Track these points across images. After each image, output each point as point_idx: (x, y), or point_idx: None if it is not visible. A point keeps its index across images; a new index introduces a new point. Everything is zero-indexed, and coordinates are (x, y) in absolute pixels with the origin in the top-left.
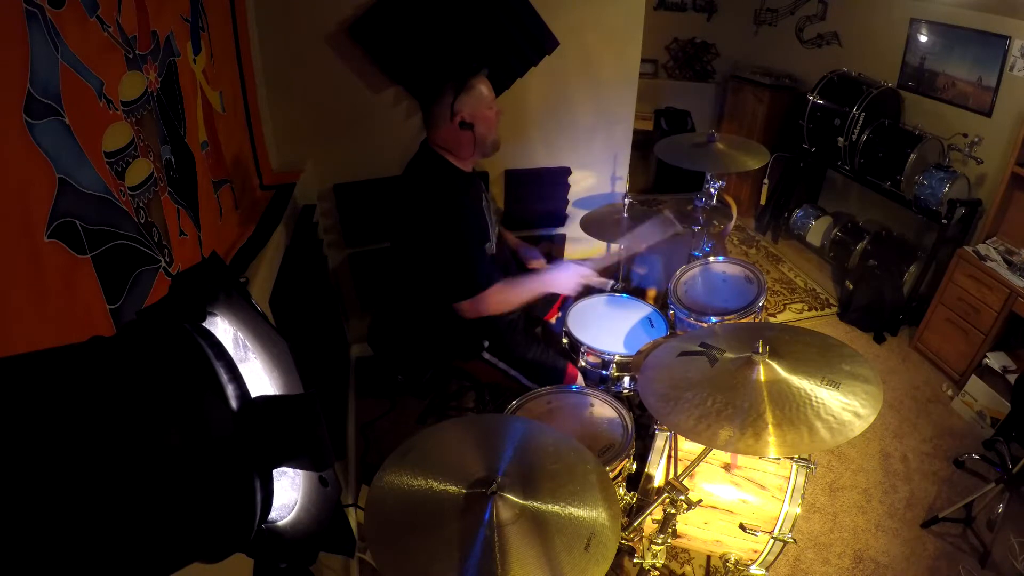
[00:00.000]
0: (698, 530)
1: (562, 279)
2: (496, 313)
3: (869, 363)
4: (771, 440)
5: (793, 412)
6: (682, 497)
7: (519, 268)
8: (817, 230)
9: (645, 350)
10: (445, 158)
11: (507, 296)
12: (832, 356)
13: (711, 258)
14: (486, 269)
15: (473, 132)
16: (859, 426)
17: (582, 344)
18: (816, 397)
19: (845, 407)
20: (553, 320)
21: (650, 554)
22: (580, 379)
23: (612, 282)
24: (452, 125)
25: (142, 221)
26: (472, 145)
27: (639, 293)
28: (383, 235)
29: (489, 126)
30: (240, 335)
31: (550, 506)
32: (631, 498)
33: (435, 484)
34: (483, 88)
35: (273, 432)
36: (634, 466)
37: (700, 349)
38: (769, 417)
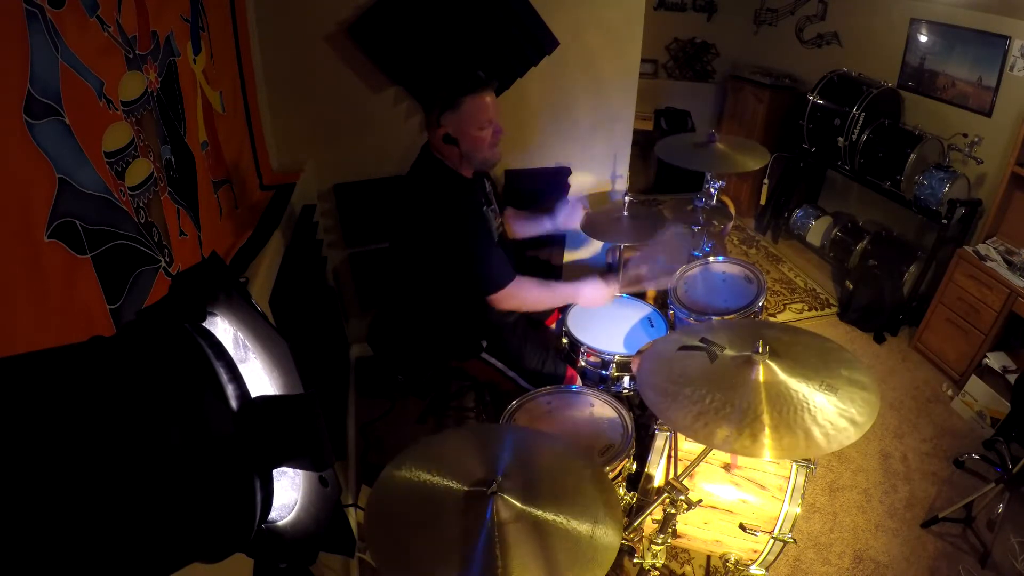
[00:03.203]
0: (698, 530)
1: (593, 296)
2: (522, 309)
3: (868, 369)
4: (767, 443)
5: (790, 415)
6: (682, 497)
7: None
8: (817, 230)
9: (645, 351)
10: (444, 163)
11: (535, 294)
12: (831, 360)
13: (711, 258)
14: (502, 264)
15: (458, 147)
16: (854, 433)
17: (582, 344)
18: (813, 402)
19: (842, 413)
20: (553, 325)
21: (650, 554)
22: (579, 383)
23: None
24: (438, 136)
25: (142, 221)
26: (459, 158)
27: (639, 293)
28: (383, 235)
29: (476, 146)
30: (240, 335)
31: (550, 506)
32: (631, 498)
33: (435, 485)
34: (474, 107)
35: (273, 432)
36: (634, 466)
37: (700, 344)
38: (766, 419)
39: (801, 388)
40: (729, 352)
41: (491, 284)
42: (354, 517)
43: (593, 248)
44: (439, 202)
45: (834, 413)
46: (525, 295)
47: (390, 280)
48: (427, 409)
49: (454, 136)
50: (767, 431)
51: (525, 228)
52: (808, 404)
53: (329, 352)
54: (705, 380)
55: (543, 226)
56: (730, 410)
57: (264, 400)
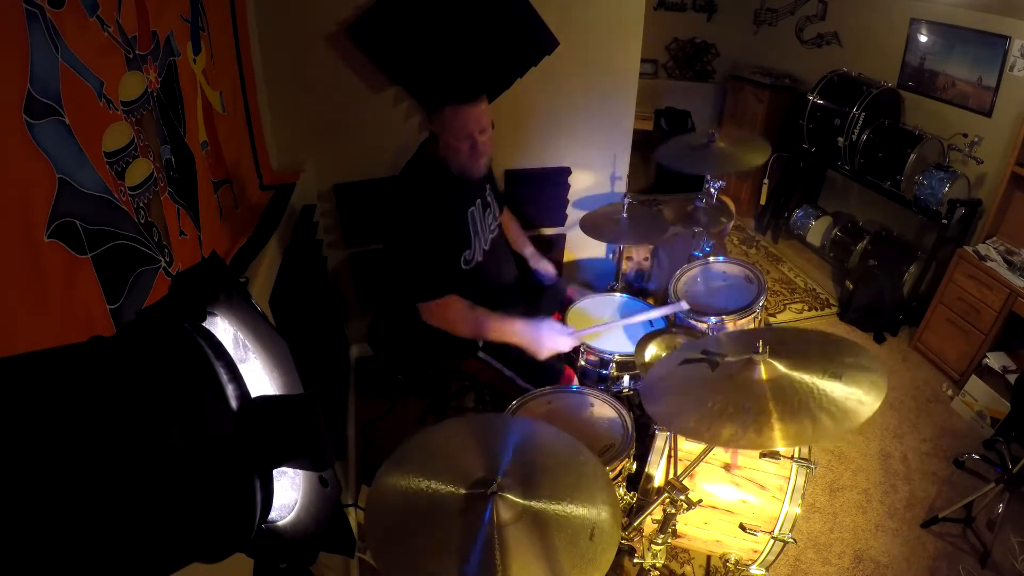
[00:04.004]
0: (698, 530)
1: (536, 341)
2: (447, 329)
3: (871, 353)
4: (775, 434)
5: (796, 405)
6: (682, 497)
7: (523, 280)
8: (817, 230)
9: (643, 342)
10: (436, 157)
11: (462, 317)
12: (833, 350)
13: (711, 258)
14: (436, 277)
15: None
16: (864, 412)
17: (582, 344)
18: (819, 389)
19: (848, 396)
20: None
21: (650, 554)
22: (576, 382)
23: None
24: (429, 133)
25: (142, 221)
26: (443, 159)
27: (639, 293)
28: (382, 235)
29: (453, 153)
30: (240, 335)
31: (550, 503)
32: (631, 498)
33: (435, 485)
34: (453, 116)
35: (273, 432)
36: (634, 466)
37: (701, 356)
38: (772, 411)
39: (806, 379)
40: (730, 358)
41: (419, 291)
42: (354, 517)
43: (593, 248)
44: (409, 191)
45: (840, 397)
46: (452, 316)
47: (390, 280)
48: (427, 409)
49: (437, 139)
50: (773, 423)
51: (512, 237)
52: (814, 391)
53: (329, 352)
54: (707, 387)
55: (524, 251)
56: (734, 410)
57: (264, 400)
